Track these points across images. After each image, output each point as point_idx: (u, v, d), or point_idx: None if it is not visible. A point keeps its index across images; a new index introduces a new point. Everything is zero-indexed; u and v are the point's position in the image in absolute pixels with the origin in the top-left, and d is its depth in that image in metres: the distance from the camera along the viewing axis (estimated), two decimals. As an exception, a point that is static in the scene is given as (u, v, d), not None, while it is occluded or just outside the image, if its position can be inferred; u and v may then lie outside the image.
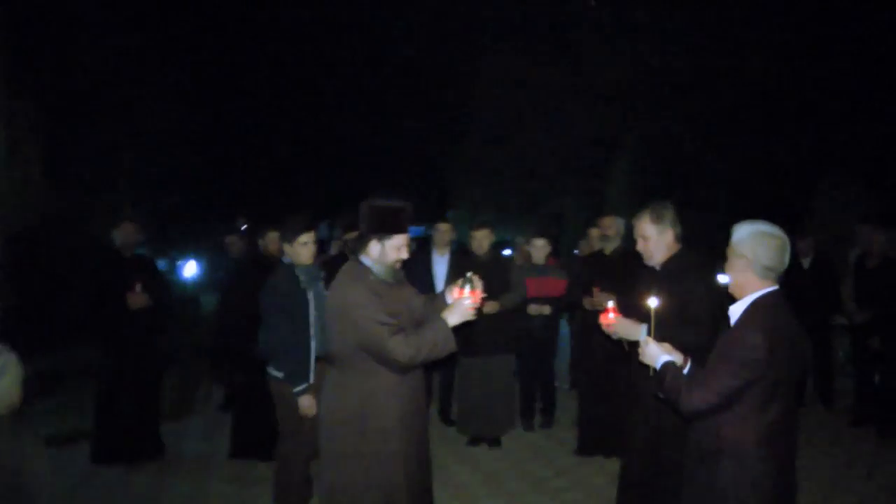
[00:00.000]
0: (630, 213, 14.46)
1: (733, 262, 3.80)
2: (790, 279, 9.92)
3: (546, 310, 8.78)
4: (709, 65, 22.47)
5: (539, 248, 9.15)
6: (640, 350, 4.08)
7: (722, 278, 8.28)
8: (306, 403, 5.89)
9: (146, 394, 8.09)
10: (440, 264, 8.97)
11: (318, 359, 6.06)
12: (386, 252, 4.67)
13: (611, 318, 4.99)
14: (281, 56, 26.61)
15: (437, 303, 4.90)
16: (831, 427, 9.09)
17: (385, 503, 4.55)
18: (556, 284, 8.90)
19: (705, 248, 11.86)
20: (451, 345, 4.58)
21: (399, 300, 4.72)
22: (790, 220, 12.72)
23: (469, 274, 4.75)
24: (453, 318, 4.60)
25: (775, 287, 3.76)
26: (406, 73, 27.69)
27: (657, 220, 5.28)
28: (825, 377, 9.95)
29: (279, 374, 6.03)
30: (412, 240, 11.37)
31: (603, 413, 8.12)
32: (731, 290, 3.84)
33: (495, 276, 8.15)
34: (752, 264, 3.72)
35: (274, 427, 6.37)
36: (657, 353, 3.96)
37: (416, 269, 8.06)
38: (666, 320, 4.49)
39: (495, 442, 8.60)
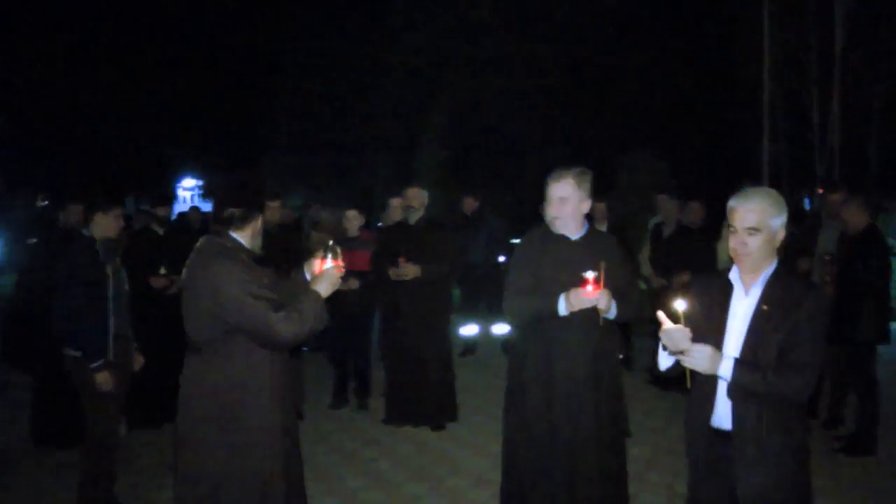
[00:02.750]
0: (437, 185, 14.55)
1: (760, 234, 3.60)
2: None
3: (354, 284, 8.61)
4: (517, 43, 22.95)
5: (351, 220, 9.07)
6: (687, 354, 3.56)
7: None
8: (101, 379, 5.72)
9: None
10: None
11: (117, 336, 5.92)
12: (259, 227, 4.45)
13: (590, 292, 4.67)
14: (88, 26, 25.63)
15: (296, 279, 4.61)
16: (636, 386, 9.63)
17: (262, 493, 4.28)
18: (367, 258, 8.76)
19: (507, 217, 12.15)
20: (325, 317, 4.33)
21: (266, 276, 4.43)
22: (594, 188, 13.14)
23: (330, 242, 4.61)
24: (323, 288, 4.35)
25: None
26: (214, 46, 27.12)
27: (581, 184, 4.98)
28: (626, 335, 10.34)
29: (76, 353, 5.80)
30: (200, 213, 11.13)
31: (410, 382, 8.27)
32: (744, 262, 3.67)
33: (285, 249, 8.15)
34: (779, 234, 3.65)
35: (76, 413, 6.14)
36: (715, 359, 3.54)
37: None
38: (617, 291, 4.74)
39: (297, 415, 8.58)
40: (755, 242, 3.59)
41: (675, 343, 3.54)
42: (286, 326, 4.13)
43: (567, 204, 4.94)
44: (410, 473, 7.06)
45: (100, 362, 5.75)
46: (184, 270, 4.38)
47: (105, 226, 6.00)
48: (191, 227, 11.04)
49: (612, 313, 4.89)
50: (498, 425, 7.26)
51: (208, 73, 27.65)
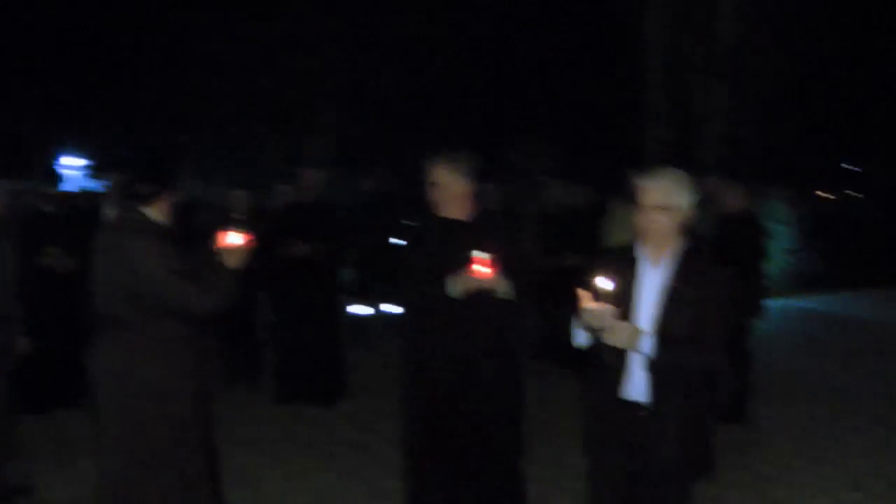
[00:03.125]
0: (330, 166, 14.44)
1: (659, 211, 3.70)
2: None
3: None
4: (416, 22, 23.05)
5: (238, 200, 9.06)
6: (609, 330, 3.59)
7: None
8: None
9: None
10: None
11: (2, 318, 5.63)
12: (170, 203, 4.37)
13: (479, 272, 4.64)
14: None
15: (202, 254, 4.46)
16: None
17: (186, 476, 4.28)
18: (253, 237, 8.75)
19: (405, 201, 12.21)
20: (235, 290, 4.35)
21: (177, 251, 4.32)
22: (483, 170, 13.35)
23: (234, 214, 4.54)
24: (234, 262, 4.36)
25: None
26: (97, 22, 26.50)
27: (456, 168, 4.97)
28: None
29: None
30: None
31: (300, 361, 8.43)
32: (649, 239, 3.78)
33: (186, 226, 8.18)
34: (682, 212, 3.72)
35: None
36: (636, 333, 3.62)
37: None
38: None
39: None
40: (661, 220, 3.69)
41: (599, 321, 3.57)
42: (204, 300, 4.18)
43: (441, 188, 4.98)
44: (300, 448, 7.21)
45: None
46: (95, 246, 4.27)
47: None
48: (79, 207, 10.85)
49: (507, 292, 4.84)
50: (384, 401, 7.48)
51: (92, 49, 26.97)
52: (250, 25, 23.43)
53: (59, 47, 26.55)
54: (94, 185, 16.88)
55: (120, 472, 4.21)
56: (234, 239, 4.40)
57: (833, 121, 26.54)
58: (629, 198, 8.62)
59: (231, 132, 26.02)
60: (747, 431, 7.67)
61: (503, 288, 4.78)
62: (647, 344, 3.60)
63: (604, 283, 3.55)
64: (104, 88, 27.22)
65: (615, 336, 3.59)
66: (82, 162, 32.09)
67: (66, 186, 8.60)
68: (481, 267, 4.61)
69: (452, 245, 4.86)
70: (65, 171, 9.96)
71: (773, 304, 14.96)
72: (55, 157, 31.03)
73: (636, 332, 3.60)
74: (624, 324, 3.60)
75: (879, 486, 6.40)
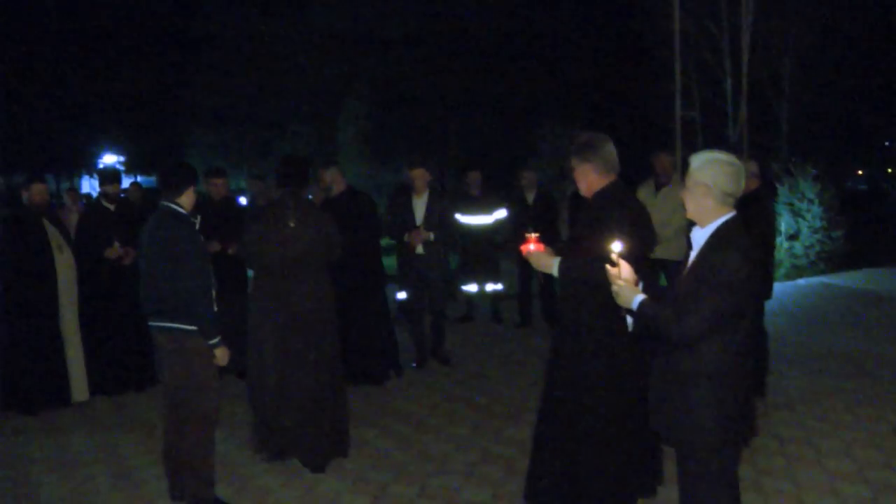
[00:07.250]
0: (361, 157, 14.77)
1: (693, 190, 3.89)
2: (517, 212, 10.94)
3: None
4: (438, 14, 23.31)
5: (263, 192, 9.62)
6: (613, 292, 4.01)
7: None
8: (222, 354, 5.53)
9: None
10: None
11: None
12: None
13: (530, 248, 5.00)
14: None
15: None
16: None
17: None
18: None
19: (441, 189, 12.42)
20: None
21: None
22: (515, 159, 13.67)
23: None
24: None
25: (734, 212, 3.89)
26: (132, 21, 26.84)
27: (577, 151, 5.21)
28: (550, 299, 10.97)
29: (189, 328, 5.43)
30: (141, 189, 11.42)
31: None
32: (691, 217, 3.98)
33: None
34: (712, 191, 3.83)
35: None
36: (631, 294, 3.93)
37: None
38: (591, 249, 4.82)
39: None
40: (696, 198, 3.90)
41: (610, 279, 4.00)
42: None
43: (574, 171, 5.31)
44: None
45: (218, 339, 5.55)
46: (289, 221, 6.30)
47: (184, 202, 5.65)
48: (133, 203, 11.05)
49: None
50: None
51: (127, 48, 27.35)
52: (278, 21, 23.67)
53: (97, 48, 26.90)
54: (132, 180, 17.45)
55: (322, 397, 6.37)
56: None
57: (866, 99, 26.54)
58: (653, 179, 8.98)
59: (266, 126, 26.30)
60: (774, 399, 7.98)
61: (535, 265, 5.21)
62: (636, 304, 3.90)
63: (615, 246, 3.98)
64: (141, 87, 27.61)
65: (618, 294, 4.00)
66: (115, 159, 32.69)
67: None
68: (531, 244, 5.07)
69: None
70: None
71: (803, 282, 15.26)
72: (98, 156, 31.65)
73: (631, 294, 3.94)
74: (624, 285, 3.97)
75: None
